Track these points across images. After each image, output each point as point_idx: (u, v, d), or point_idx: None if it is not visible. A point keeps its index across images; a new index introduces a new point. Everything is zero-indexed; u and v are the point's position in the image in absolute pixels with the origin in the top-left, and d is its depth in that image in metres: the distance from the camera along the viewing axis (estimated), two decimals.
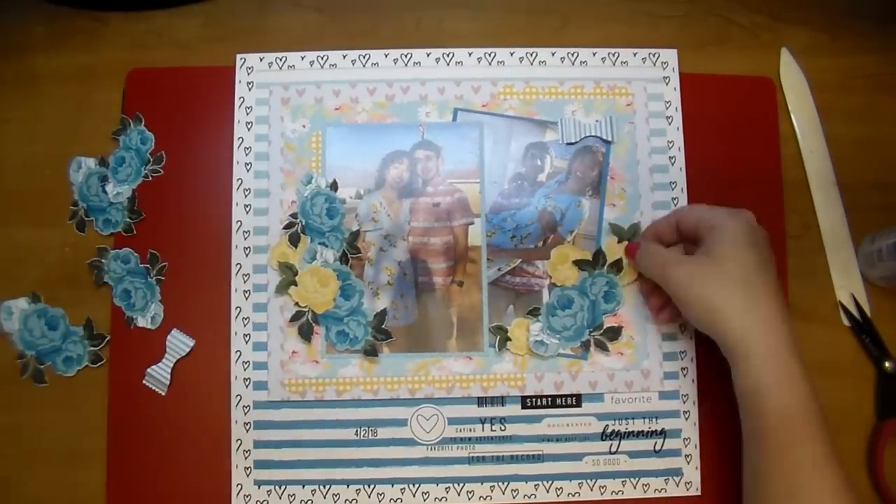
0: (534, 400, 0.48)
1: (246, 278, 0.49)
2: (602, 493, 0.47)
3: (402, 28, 0.53)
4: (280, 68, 0.51)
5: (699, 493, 0.47)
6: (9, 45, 0.52)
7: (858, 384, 0.49)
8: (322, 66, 0.51)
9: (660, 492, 0.47)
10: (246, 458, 0.47)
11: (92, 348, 0.48)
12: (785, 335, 0.39)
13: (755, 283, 0.39)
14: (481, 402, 0.48)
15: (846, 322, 0.50)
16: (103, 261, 0.49)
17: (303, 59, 0.51)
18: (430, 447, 0.47)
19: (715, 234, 0.41)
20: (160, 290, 0.49)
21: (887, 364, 0.49)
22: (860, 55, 0.53)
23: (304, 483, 0.47)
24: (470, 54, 0.51)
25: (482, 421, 0.48)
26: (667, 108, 0.51)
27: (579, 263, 0.49)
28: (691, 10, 0.53)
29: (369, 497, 0.47)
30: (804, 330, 0.49)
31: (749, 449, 0.40)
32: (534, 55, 0.51)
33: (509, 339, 0.48)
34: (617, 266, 0.49)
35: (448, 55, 0.51)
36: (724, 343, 0.40)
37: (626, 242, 0.49)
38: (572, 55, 0.51)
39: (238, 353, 0.48)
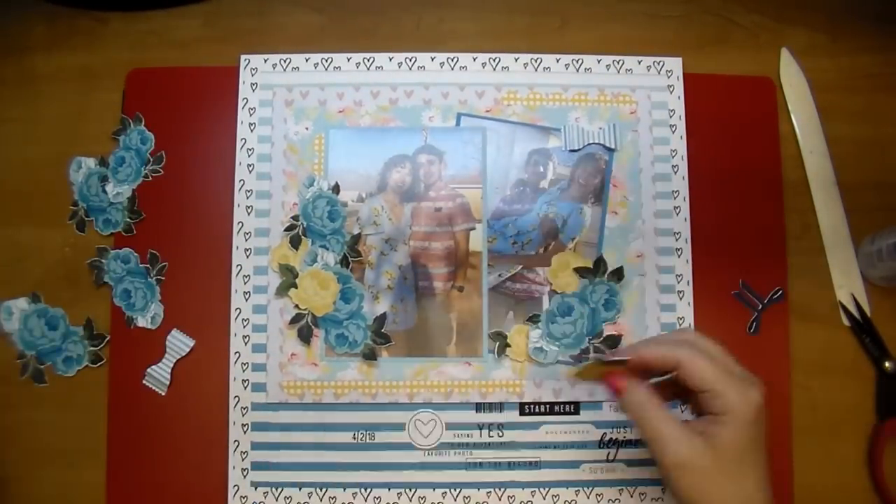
0: (532, 406, 0.52)
1: (246, 280, 0.53)
2: (599, 501, 0.51)
3: (402, 28, 0.57)
4: (284, 70, 0.55)
5: None
6: (9, 45, 0.56)
7: (858, 384, 0.53)
8: (326, 69, 0.55)
9: (656, 501, 0.51)
10: (243, 460, 0.51)
11: (92, 348, 0.52)
12: None
13: (750, 477, 0.38)
14: (479, 407, 0.52)
15: (846, 322, 0.54)
16: (103, 261, 0.53)
17: (307, 61, 0.55)
18: (427, 452, 0.51)
19: (727, 421, 0.38)
20: (160, 290, 0.52)
21: (887, 364, 0.52)
22: (860, 55, 0.57)
23: (300, 485, 0.51)
24: (474, 59, 0.55)
25: (480, 427, 0.52)
26: (670, 117, 0.55)
27: (580, 271, 0.53)
28: (691, 10, 0.57)
29: (366, 501, 0.51)
30: (804, 330, 0.53)
31: None
32: (538, 61, 0.55)
33: (509, 345, 0.52)
34: (618, 274, 0.53)
35: (452, 60, 0.55)
36: None
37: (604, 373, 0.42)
38: (577, 62, 0.55)
39: (237, 355, 0.52)
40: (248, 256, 0.53)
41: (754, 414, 0.38)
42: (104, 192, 0.53)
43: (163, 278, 0.53)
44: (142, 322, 0.52)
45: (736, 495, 0.38)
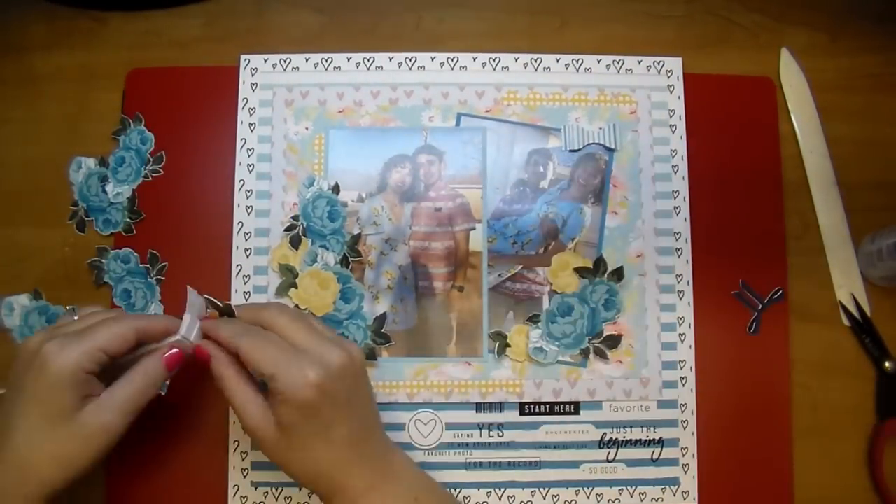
0: (532, 406, 0.52)
1: (246, 280, 0.53)
2: (598, 501, 0.51)
3: (402, 28, 0.57)
4: (284, 70, 0.55)
5: (696, 502, 0.52)
6: (9, 45, 0.56)
7: (858, 384, 0.53)
8: (326, 69, 0.55)
9: (656, 501, 0.52)
10: (243, 460, 0.51)
11: None
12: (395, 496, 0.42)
13: (318, 448, 0.41)
14: (479, 407, 0.52)
15: (846, 322, 0.54)
16: (103, 261, 0.53)
17: (307, 61, 0.55)
18: (427, 452, 0.52)
19: (281, 401, 0.40)
20: (160, 290, 0.53)
21: (887, 364, 0.53)
22: (860, 55, 0.57)
23: (300, 485, 0.51)
24: (474, 59, 0.55)
25: (480, 427, 0.52)
26: (670, 117, 0.55)
27: (580, 271, 0.53)
28: (691, 10, 0.58)
29: None
30: (804, 330, 0.53)
31: None
32: (538, 61, 0.56)
33: (508, 345, 0.52)
34: (618, 274, 0.53)
35: (452, 60, 0.55)
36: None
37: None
38: (577, 62, 0.56)
39: None
40: (248, 256, 0.53)
41: (305, 395, 0.40)
42: (104, 192, 0.54)
43: (163, 278, 0.53)
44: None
45: (304, 462, 0.42)
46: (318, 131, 0.54)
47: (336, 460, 0.41)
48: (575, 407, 0.52)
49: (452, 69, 0.55)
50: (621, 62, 0.56)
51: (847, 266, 0.55)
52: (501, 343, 0.52)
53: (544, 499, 0.52)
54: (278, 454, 0.42)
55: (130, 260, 0.53)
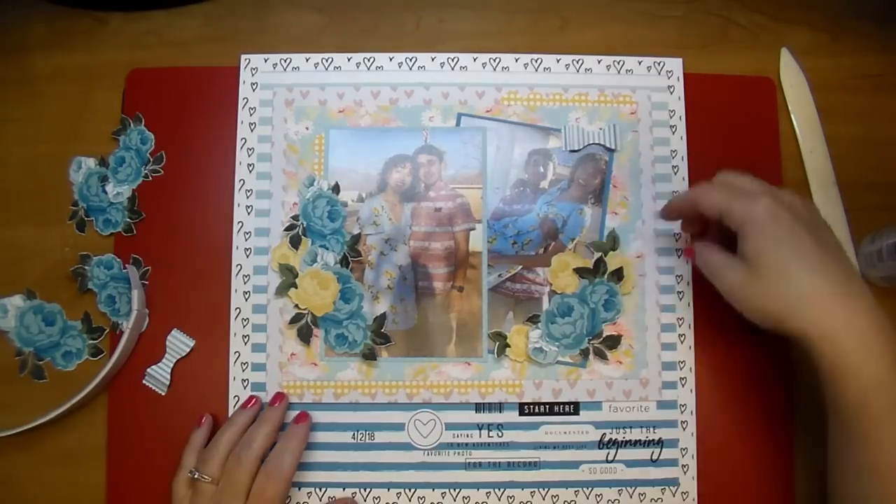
0: (532, 407, 0.53)
1: (246, 279, 0.54)
2: (598, 502, 0.52)
3: (403, 28, 0.58)
4: (284, 70, 0.56)
5: (696, 503, 0.52)
6: (9, 45, 0.57)
7: None
8: (326, 69, 0.56)
9: (656, 501, 0.52)
10: None
11: (91, 341, 0.53)
12: (866, 308, 0.40)
13: (808, 274, 0.41)
14: (479, 407, 0.53)
15: None
16: (86, 267, 0.53)
17: (307, 60, 0.56)
18: (426, 452, 0.52)
19: (745, 233, 0.43)
20: (146, 294, 0.53)
21: None
22: (860, 55, 0.58)
23: (299, 485, 0.52)
24: (475, 59, 0.56)
25: (479, 427, 0.53)
26: (671, 118, 0.56)
27: (580, 271, 0.54)
28: (691, 10, 0.58)
29: (365, 501, 0.52)
30: None
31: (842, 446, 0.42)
32: (538, 61, 0.56)
33: (508, 345, 0.53)
34: (617, 275, 0.54)
35: (453, 60, 0.56)
36: (804, 345, 0.41)
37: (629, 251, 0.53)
38: (577, 62, 0.56)
39: (237, 354, 0.53)
40: (248, 256, 0.54)
41: (763, 219, 0.42)
42: (104, 192, 0.55)
43: (146, 282, 0.53)
44: (127, 327, 0.52)
45: (780, 294, 0.41)
46: (318, 131, 0.55)
47: (816, 284, 0.41)
48: (574, 407, 0.53)
49: (453, 69, 0.56)
50: (621, 63, 0.56)
51: None
52: (501, 343, 0.53)
53: (544, 499, 0.52)
54: (753, 291, 0.43)
55: (113, 266, 0.54)
